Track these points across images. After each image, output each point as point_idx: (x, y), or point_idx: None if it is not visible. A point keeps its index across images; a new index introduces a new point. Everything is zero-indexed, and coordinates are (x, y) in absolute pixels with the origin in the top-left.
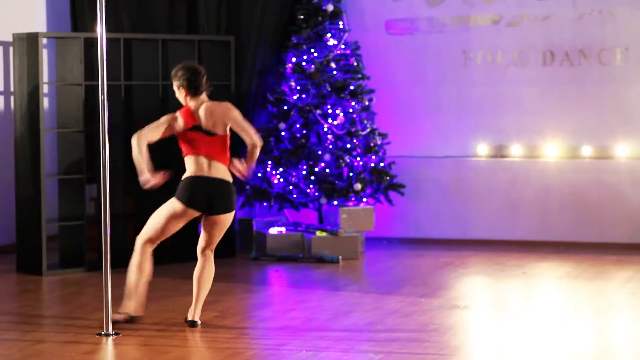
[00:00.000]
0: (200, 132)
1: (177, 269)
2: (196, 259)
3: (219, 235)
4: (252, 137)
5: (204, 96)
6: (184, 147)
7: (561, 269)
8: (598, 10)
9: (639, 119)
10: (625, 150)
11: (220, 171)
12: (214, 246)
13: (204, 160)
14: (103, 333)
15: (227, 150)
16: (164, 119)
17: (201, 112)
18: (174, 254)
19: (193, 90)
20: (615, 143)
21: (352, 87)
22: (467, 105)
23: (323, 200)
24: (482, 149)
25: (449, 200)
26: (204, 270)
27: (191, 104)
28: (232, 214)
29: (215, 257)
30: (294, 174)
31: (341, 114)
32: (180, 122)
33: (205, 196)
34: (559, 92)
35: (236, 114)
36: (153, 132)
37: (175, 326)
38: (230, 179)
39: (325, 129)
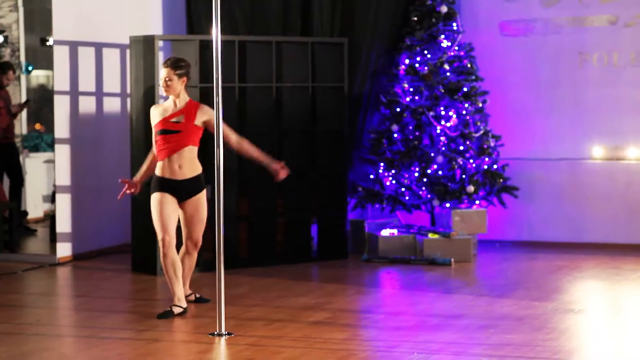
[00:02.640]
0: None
1: (290, 270)
2: (308, 261)
3: None
4: None
5: None
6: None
7: None
8: None
9: None
10: None
11: None
12: None
13: None
14: (216, 333)
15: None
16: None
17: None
18: (288, 255)
19: None
20: None
21: (465, 89)
22: (582, 107)
23: (435, 203)
24: (598, 151)
25: (563, 203)
26: None
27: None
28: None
29: (326, 259)
30: (406, 175)
31: (454, 116)
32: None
33: None
34: None
35: None
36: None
37: (288, 327)
38: None
39: (438, 131)
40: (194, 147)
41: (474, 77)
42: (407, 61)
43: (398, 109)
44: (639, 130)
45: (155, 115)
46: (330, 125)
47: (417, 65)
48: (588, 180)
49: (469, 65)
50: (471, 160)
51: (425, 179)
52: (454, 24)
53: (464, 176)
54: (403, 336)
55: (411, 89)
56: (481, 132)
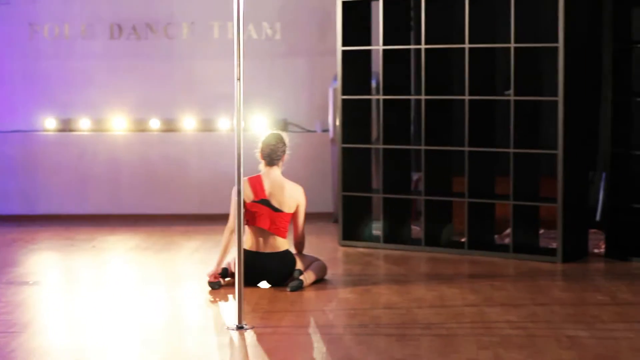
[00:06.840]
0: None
1: None
2: None
3: None
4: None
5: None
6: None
7: (131, 241)
8: None
9: (204, 92)
10: (192, 123)
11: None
12: None
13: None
14: None
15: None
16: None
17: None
18: None
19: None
20: (182, 116)
21: None
22: (34, 79)
23: None
24: (50, 123)
25: (17, 175)
26: None
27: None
28: None
29: None
30: None
31: None
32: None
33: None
34: (126, 65)
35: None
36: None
37: None
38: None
39: None
40: None
41: None
42: None
43: None
44: (89, 102)
45: None
46: None
47: None
48: (41, 152)
49: None
50: None
51: None
52: None
53: None
54: None
55: None
56: None
